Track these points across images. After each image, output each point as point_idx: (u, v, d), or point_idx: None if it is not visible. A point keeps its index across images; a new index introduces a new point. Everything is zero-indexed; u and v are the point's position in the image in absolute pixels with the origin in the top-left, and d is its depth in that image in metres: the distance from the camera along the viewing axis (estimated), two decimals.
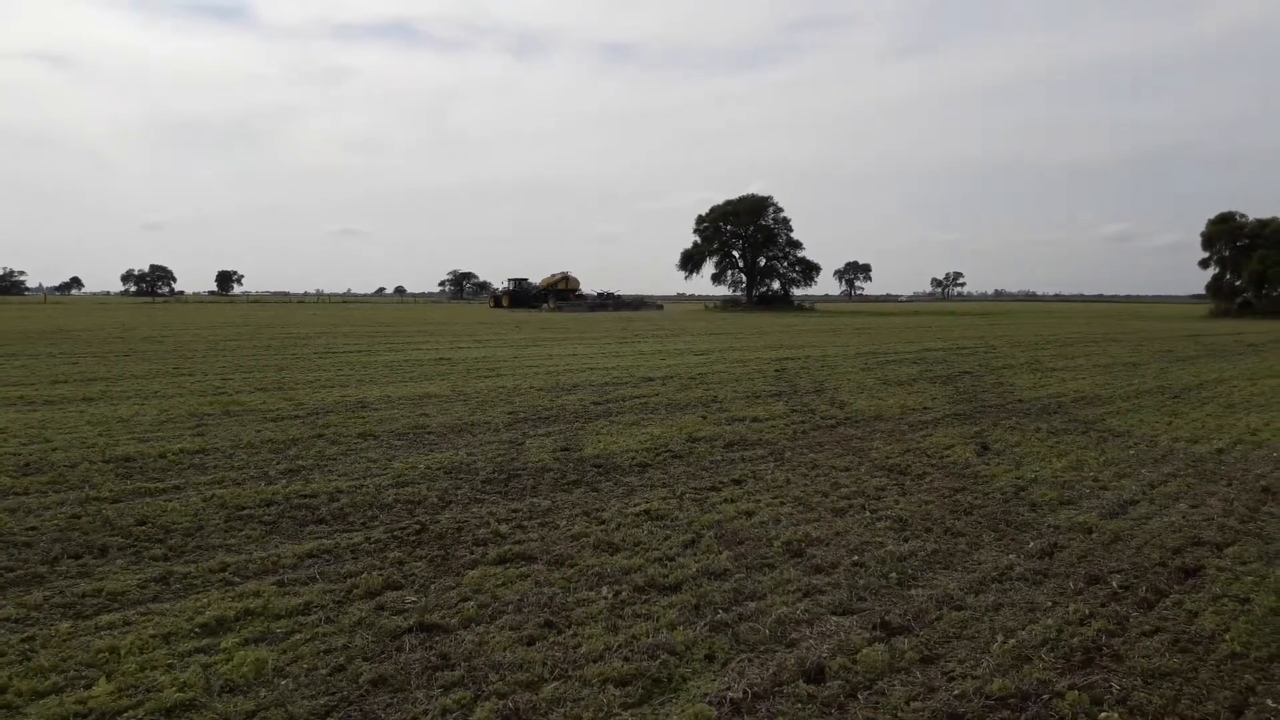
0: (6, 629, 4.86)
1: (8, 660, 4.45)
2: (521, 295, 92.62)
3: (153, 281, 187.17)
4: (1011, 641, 4.83)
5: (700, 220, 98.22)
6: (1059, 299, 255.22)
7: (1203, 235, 76.15)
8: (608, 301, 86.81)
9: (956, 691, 4.25)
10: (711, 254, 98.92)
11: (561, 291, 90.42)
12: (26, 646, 4.62)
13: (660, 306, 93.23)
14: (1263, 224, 72.47)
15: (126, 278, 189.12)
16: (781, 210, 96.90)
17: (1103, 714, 4.03)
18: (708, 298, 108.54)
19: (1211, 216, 75.71)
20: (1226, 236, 74.56)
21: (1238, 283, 73.99)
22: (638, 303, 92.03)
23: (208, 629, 4.89)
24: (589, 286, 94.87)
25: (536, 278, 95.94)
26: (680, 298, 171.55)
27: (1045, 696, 4.22)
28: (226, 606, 5.17)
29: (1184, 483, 8.74)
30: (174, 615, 5.06)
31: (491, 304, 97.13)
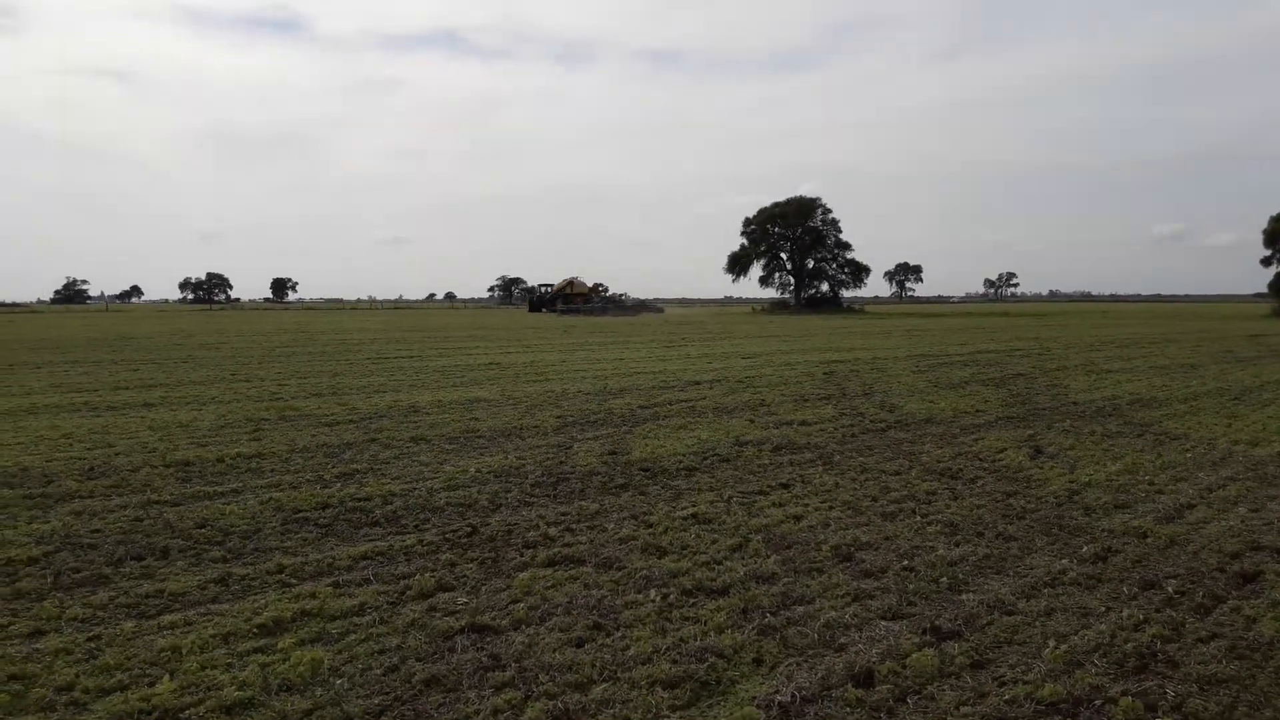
0: (74, 628, 5.02)
1: (75, 659, 4.60)
2: (539, 301, 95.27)
3: (209, 289, 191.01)
4: (1064, 647, 4.77)
5: (748, 222, 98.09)
6: (1114, 299, 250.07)
7: (1264, 233, 74.06)
8: (608, 306, 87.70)
9: (1007, 697, 4.22)
10: (759, 256, 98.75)
11: (568, 296, 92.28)
12: (93, 645, 4.77)
13: (661, 310, 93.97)
14: None
15: (184, 285, 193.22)
16: (830, 211, 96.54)
17: None
18: (755, 300, 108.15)
19: (1273, 214, 73.77)
20: None
21: None
22: (639, 306, 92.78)
23: (265, 629, 5.01)
24: (618, 289, 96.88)
25: (588, 281, 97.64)
26: (728, 300, 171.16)
27: (1098, 702, 4.17)
28: (284, 607, 5.29)
29: (1243, 486, 8.56)
30: (233, 616, 5.19)
31: (529, 309, 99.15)
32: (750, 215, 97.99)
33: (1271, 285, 75.30)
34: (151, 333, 39.28)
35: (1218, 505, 7.85)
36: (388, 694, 4.25)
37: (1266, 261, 74.90)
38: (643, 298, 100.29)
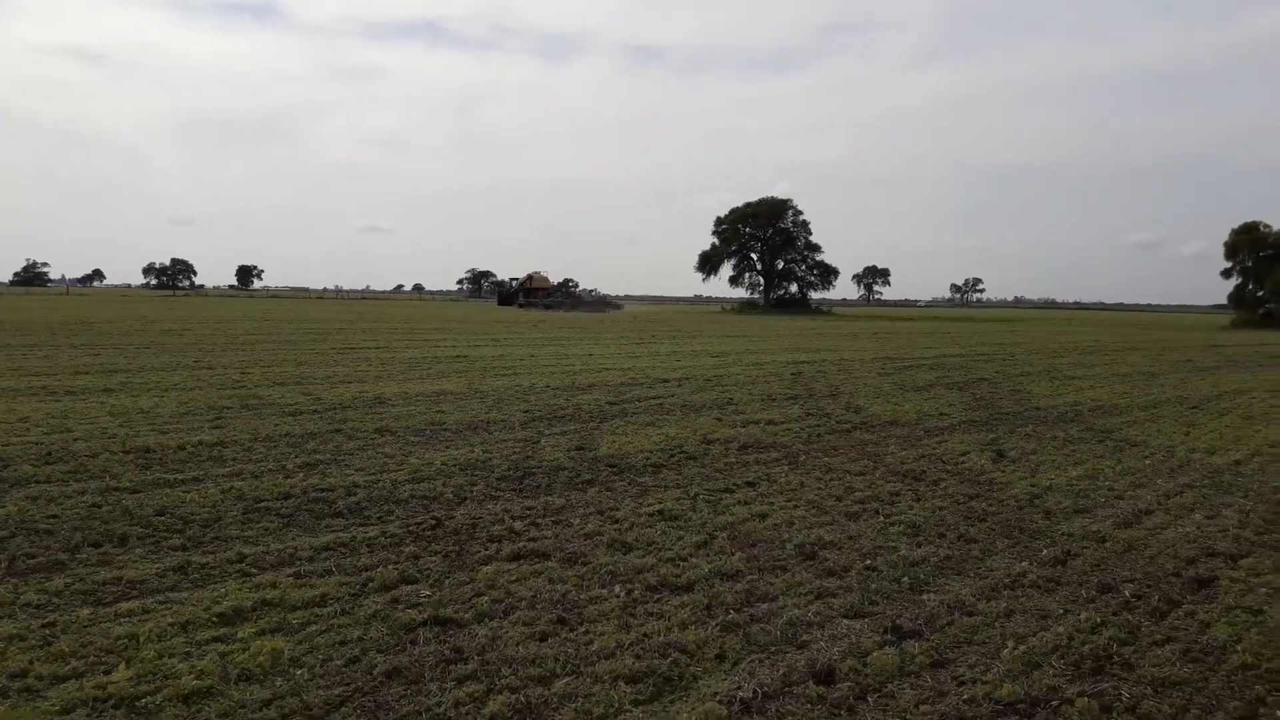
0: (28, 614, 4.94)
1: (29, 645, 4.52)
2: (508, 295, 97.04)
3: (173, 275, 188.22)
4: (1022, 648, 4.83)
5: (719, 222, 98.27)
6: (1079, 306, 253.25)
7: (1226, 245, 75.32)
8: (564, 301, 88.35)
9: (966, 696, 4.27)
10: (730, 256, 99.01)
11: (530, 290, 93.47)
12: (47, 632, 4.70)
13: (619, 306, 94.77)
14: None
15: (148, 271, 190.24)
16: (801, 213, 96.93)
17: None
18: (725, 300, 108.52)
19: (1234, 226, 75.03)
20: (1250, 247, 73.72)
21: (1260, 293, 73.22)
22: (600, 302, 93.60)
23: (225, 618, 4.96)
24: (589, 285, 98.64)
25: (556, 278, 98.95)
26: (697, 299, 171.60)
27: (1054, 703, 4.23)
28: (244, 597, 5.24)
29: (1200, 493, 8.71)
30: (192, 604, 5.13)
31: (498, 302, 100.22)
32: (722, 214, 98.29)
33: (1231, 297, 76.61)
34: (113, 318, 38.67)
35: (1175, 511, 7.98)
36: (348, 685, 4.22)
37: (1227, 274, 76.20)
38: (606, 294, 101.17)
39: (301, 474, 8.40)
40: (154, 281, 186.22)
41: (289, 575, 5.67)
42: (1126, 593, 5.79)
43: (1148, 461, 10.30)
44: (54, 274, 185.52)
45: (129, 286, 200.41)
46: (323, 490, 7.81)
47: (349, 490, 7.86)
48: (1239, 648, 4.94)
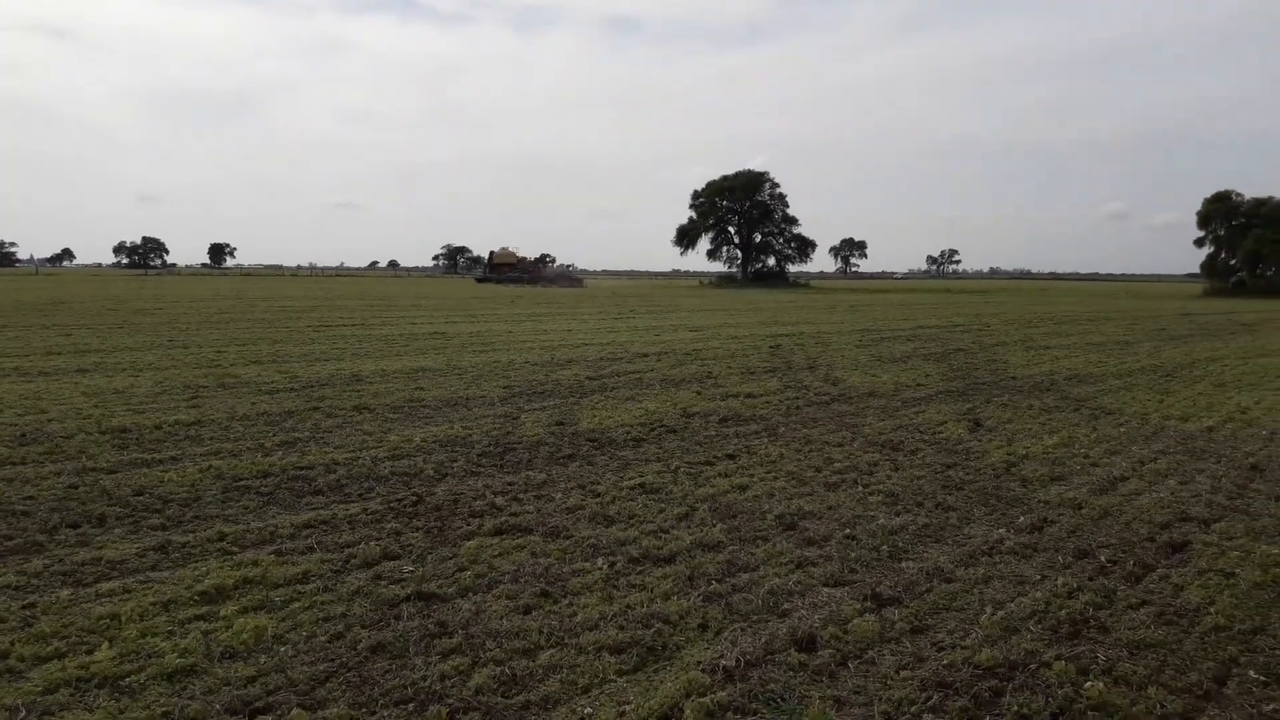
0: (7, 596, 4.90)
1: (9, 626, 4.50)
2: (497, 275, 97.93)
3: (145, 254, 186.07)
4: (1000, 613, 4.90)
5: (696, 195, 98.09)
6: (1054, 277, 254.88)
7: (1199, 214, 76.08)
8: (521, 276, 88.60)
9: (945, 661, 4.33)
10: (707, 230, 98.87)
11: (496, 265, 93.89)
12: (28, 613, 4.67)
13: (580, 282, 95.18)
14: (1259, 203, 72.32)
15: (119, 249, 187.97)
16: (778, 186, 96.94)
17: (1088, 684, 4.10)
18: (703, 274, 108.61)
19: (1207, 196, 75.66)
20: (1222, 216, 74.52)
21: (1232, 262, 74.01)
22: (560, 275, 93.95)
23: (207, 597, 4.94)
24: (568, 261, 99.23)
25: (533, 253, 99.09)
26: (675, 274, 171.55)
27: (1032, 666, 4.29)
28: (225, 575, 5.22)
29: (1174, 460, 8.82)
30: (173, 583, 5.11)
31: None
32: (699, 188, 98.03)
33: (1203, 265, 77.39)
34: (85, 297, 38.20)
35: (1149, 478, 8.08)
36: (333, 661, 4.23)
37: (1199, 242, 76.95)
38: (570, 267, 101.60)
39: (280, 452, 8.36)
40: (125, 260, 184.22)
41: (270, 553, 5.65)
42: (1102, 558, 5.87)
43: (1122, 429, 10.42)
44: (22, 254, 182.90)
45: (100, 266, 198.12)
46: (302, 468, 7.78)
47: (329, 468, 7.83)
48: (1212, 610, 5.03)
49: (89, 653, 4.22)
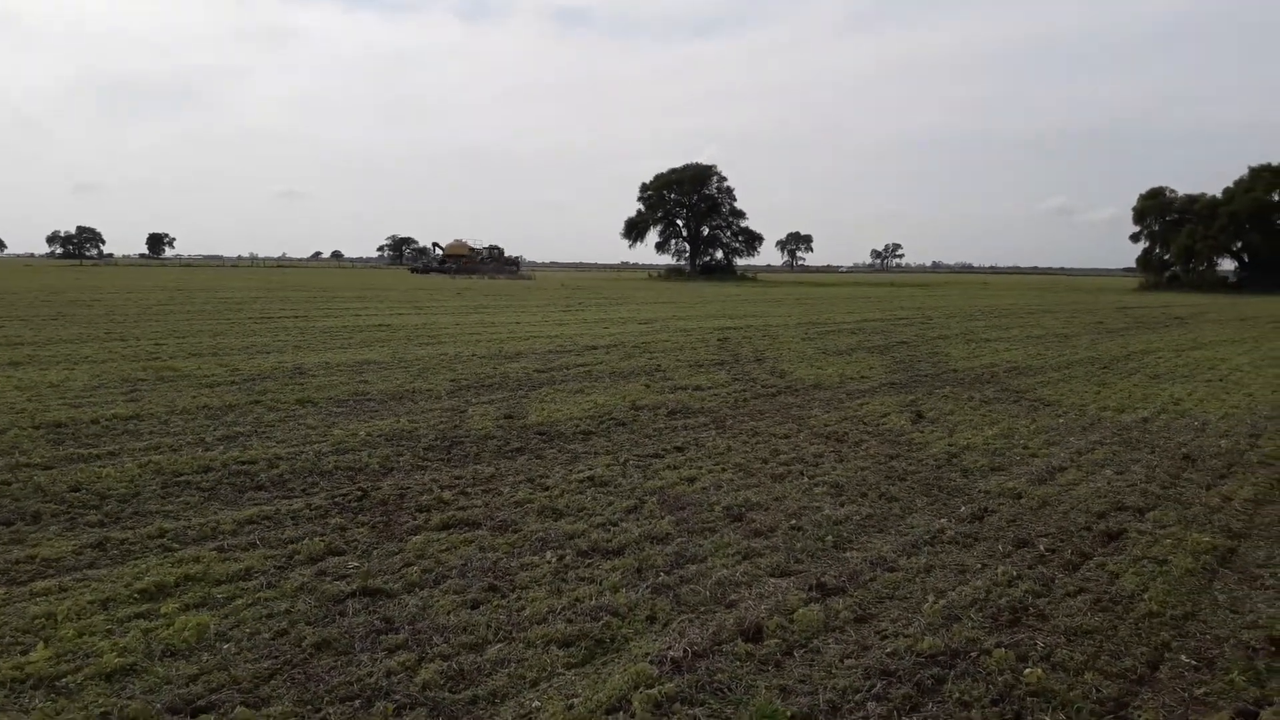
0: None
1: None
2: (435, 261, 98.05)
3: (80, 244, 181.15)
4: (942, 602, 4.99)
5: (644, 188, 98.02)
6: (994, 271, 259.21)
7: (1134, 210, 77.79)
8: (454, 267, 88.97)
9: (889, 650, 4.40)
10: (655, 222, 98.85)
11: (446, 257, 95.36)
12: None
13: (518, 267, 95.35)
14: (1192, 199, 74.10)
15: (52, 239, 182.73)
16: (725, 180, 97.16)
17: (1027, 670, 4.20)
18: (651, 266, 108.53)
19: (1142, 191, 77.39)
20: (1157, 211, 76.26)
21: (1166, 257, 75.80)
22: (499, 265, 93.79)
23: (147, 594, 4.85)
24: (516, 253, 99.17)
25: (482, 244, 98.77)
26: (624, 266, 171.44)
27: (973, 654, 4.38)
28: (166, 572, 5.12)
29: (1110, 450, 9.05)
30: (112, 581, 5.00)
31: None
32: (647, 181, 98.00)
33: (1139, 260, 79.20)
34: (16, 288, 37.15)
35: (1086, 468, 8.28)
36: (277, 658, 4.18)
37: (1135, 238, 78.71)
38: (514, 257, 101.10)
39: (221, 447, 8.22)
40: (59, 250, 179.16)
41: (212, 549, 5.56)
42: (1041, 547, 6.01)
43: (1061, 420, 10.66)
44: None
45: (32, 256, 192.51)
46: (244, 463, 7.66)
47: (271, 463, 7.72)
48: (1146, 597, 5.17)
49: (24, 653, 4.11)
